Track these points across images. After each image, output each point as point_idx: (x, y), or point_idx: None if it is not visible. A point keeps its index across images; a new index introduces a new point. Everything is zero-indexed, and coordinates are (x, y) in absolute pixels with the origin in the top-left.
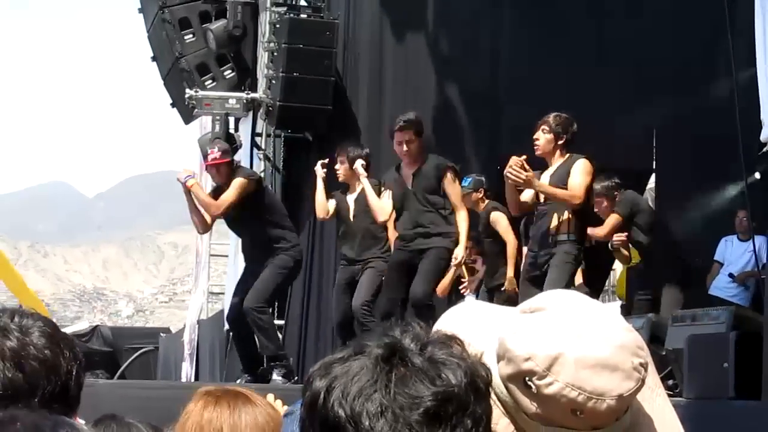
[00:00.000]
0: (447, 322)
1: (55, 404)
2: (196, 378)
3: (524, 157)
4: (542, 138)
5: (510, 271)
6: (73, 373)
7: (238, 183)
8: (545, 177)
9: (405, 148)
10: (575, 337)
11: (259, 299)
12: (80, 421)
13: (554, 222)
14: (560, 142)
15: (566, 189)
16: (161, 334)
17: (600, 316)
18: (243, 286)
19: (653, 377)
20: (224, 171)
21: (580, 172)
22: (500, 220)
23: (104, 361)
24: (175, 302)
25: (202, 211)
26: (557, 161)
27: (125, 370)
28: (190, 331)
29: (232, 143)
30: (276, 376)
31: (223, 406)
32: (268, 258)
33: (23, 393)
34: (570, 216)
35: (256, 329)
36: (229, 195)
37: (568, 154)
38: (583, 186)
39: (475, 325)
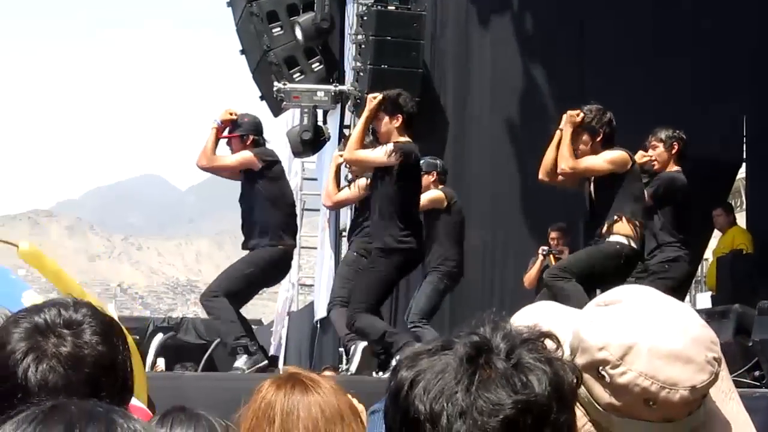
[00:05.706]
0: (524, 318)
1: (116, 398)
2: None
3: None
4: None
5: None
6: (128, 364)
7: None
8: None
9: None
10: (650, 328)
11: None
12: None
13: None
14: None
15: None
16: (252, 327)
17: (675, 310)
18: None
19: (727, 382)
20: (234, 146)
21: None
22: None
23: (196, 354)
24: (268, 294)
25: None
26: None
27: (216, 362)
28: (279, 323)
29: (320, 136)
30: (238, 360)
31: (279, 392)
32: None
33: (84, 395)
34: None
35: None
36: None
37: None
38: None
39: (550, 322)
